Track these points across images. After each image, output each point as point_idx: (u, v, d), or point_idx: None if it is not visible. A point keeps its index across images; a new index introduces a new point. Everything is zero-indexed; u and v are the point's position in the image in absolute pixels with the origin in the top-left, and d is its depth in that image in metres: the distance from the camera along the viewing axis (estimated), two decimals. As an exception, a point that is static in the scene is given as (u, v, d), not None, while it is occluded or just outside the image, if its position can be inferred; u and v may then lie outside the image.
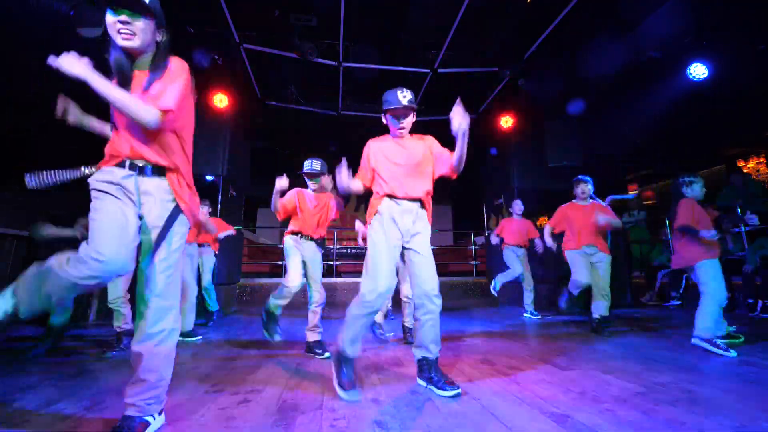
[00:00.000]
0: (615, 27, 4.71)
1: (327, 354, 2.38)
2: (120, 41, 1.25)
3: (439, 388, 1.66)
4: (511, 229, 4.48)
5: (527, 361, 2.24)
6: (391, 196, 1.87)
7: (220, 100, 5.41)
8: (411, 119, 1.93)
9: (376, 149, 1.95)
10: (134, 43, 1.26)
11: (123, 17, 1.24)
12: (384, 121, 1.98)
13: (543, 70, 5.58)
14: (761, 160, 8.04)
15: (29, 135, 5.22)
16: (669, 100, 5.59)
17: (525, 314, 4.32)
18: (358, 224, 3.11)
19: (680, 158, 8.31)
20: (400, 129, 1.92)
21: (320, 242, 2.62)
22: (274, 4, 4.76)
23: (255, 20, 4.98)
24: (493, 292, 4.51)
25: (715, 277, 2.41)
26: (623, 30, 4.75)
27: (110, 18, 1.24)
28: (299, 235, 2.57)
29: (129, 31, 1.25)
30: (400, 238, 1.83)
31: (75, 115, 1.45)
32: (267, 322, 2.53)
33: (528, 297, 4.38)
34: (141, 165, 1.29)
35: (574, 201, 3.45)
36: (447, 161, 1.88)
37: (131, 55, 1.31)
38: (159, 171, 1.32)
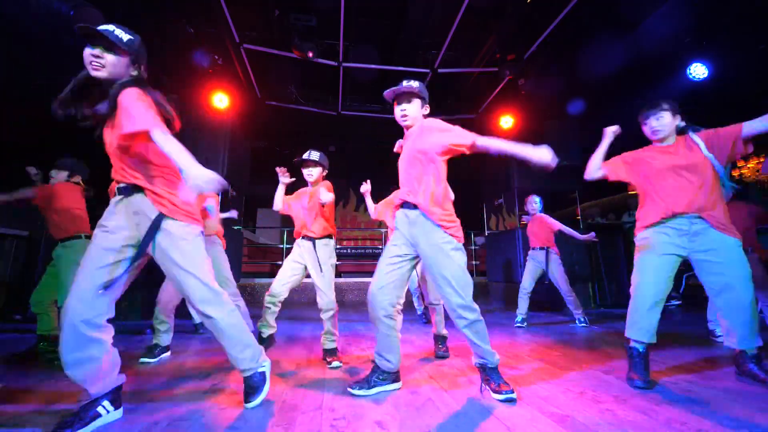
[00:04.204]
0: (615, 27, 4.71)
1: (335, 363, 2.18)
2: (90, 71, 1.40)
3: (495, 392, 1.58)
4: (532, 230, 3.92)
5: (527, 361, 2.24)
6: None
7: (220, 100, 5.40)
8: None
9: None
10: (102, 73, 1.41)
11: (96, 51, 1.38)
12: None
13: (543, 70, 5.57)
14: (761, 160, 8.03)
15: (29, 135, 5.22)
16: (669, 100, 5.59)
17: (576, 323, 3.63)
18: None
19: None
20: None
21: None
22: (274, 4, 4.76)
23: (255, 20, 4.98)
24: (521, 324, 3.69)
25: None
26: (623, 30, 4.74)
27: (86, 50, 1.39)
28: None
29: (99, 64, 1.39)
30: None
31: None
32: None
33: (569, 302, 3.67)
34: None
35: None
36: None
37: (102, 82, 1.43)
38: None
